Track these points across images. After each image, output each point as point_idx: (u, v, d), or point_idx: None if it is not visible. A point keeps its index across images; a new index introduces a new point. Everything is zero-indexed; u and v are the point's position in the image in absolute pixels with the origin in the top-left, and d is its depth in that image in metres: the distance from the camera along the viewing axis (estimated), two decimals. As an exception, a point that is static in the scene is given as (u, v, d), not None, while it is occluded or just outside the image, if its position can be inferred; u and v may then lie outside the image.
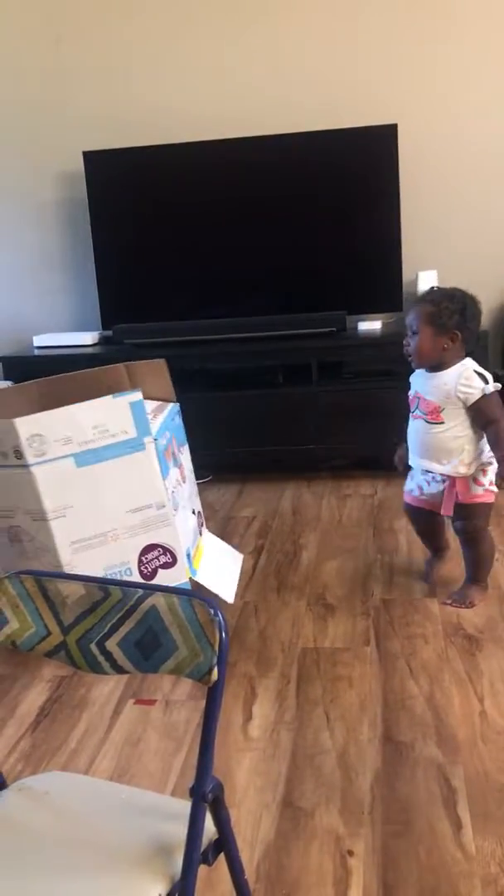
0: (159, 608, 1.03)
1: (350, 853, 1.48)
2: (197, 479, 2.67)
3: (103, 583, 1.08)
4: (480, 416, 2.22)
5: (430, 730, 1.81)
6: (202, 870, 1.03)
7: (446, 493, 2.31)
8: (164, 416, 2.29)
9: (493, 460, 2.24)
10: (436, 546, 2.54)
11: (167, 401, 2.36)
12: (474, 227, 3.79)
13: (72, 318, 4.10)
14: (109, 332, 3.77)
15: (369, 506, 3.19)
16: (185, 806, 1.01)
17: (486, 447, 2.27)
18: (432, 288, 2.31)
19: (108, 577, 2.13)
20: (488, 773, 1.66)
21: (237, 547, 2.82)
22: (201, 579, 2.27)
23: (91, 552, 2.12)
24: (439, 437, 2.26)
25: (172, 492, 2.23)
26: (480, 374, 2.22)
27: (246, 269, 3.80)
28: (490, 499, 2.31)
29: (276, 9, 3.71)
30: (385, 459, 2.59)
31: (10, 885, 0.99)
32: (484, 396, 2.20)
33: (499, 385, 2.23)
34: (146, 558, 2.19)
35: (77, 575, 1.15)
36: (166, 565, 2.21)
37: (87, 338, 3.81)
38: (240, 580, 2.56)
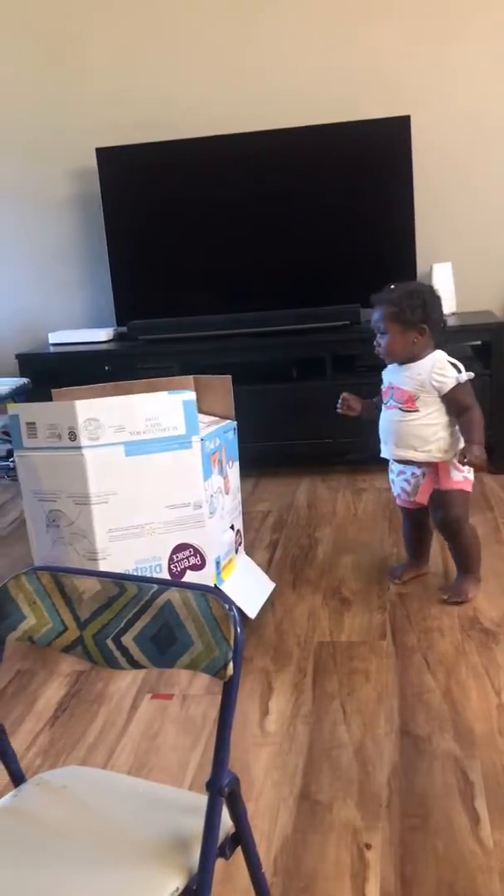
0: (174, 603, 1.03)
1: (367, 846, 1.48)
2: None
3: (119, 578, 1.09)
4: (454, 403, 2.27)
5: (447, 723, 1.81)
6: (220, 863, 1.03)
7: (425, 480, 2.33)
8: (219, 427, 2.34)
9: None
10: (418, 551, 2.54)
11: (226, 418, 2.40)
12: (489, 218, 3.77)
13: (86, 315, 4.12)
14: (124, 329, 3.78)
15: (385, 499, 3.18)
16: (202, 800, 1.01)
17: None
18: (390, 286, 2.33)
19: (139, 570, 2.17)
20: (506, 767, 1.66)
21: (252, 541, 2.82)
22: (227, 589, 2.28)
23: (126, 542, 2.16)
24: (414, 425, 2.29)
25: (211, 496, 2.26)
26: (453, 364, 2.28)
27: (259, 264, 3.80)
28: (468, 487, 2.34)
29: (287, 2, 3.70)
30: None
31: (29, 879, 1.00)
32: (458, 385, 2.26)
33: (472, 374, 2.28)
34: (177, 557, 2.21)
35: (92, 570, 1.15)
36: (195, 567, 2.23)
37: (102, 334, 3.83)
38: (256, 575, 2.57)
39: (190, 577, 2.23)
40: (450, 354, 2.30)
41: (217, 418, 2.39)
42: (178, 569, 2.22)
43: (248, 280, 3.81)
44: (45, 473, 2.18)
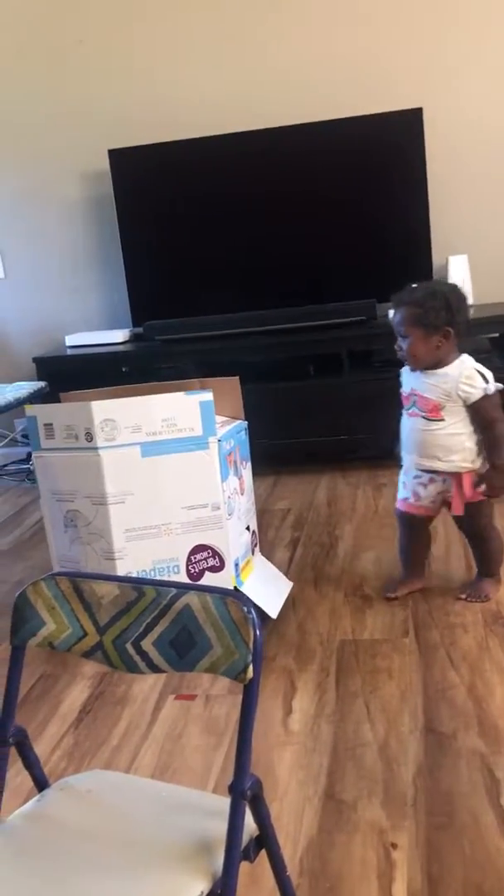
0: (193, 607, 1.03)
1: (394, 846, 1.47)
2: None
3: (137, 583, 1.09)
4: (479, 415, 2.17)
5: (472, 720, 1.80)
6: (245, 866, 1.03)
7: (455, 491, 2.24)
8: (232, 427, 2.34)
9: None
10: (414, 564, 2.41)
11: (236, 418, 2.40)
12: (504, 209, 3.74)
13: (102, 317, 4.13)
14: (140, 329, 3.79)
15: (405, 495, 3.16)
16: (225, 803, 1.01)
17: None
18: (411, 286, 2.21)
19: (157, 570, 2.18)
20: (532, 764, 1.64)
21: (273, 540, 2.82)
22: (247, 591, 2.27)
23: (143, 542, 2.17)
24: (439, 435, 2.20)
25: (229, 497, 2.26)
26: (481, 374, 2.17)
27: (274, 261, 3.79)
28: None
29: (296, -3, 3.69)
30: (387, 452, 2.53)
31: (54, 883, 1.00)
32: (486, 396, 2.15)
33: (500, 385, 2.18)
34: (195, 558, 2.22)
35: (111, 575, 1.15)
36: (214, 568, 2.23)
37: (118, 335, 3.84)
38: (276, 573, 2.56)
39: (209, 578, 2.22)
40: (467, 348, 2.22)
41: (228, 418, 2.38)
42: (197, 570, 2.22)
43: (263, 277, 3.80)
44: (63, 474, 2.19)
